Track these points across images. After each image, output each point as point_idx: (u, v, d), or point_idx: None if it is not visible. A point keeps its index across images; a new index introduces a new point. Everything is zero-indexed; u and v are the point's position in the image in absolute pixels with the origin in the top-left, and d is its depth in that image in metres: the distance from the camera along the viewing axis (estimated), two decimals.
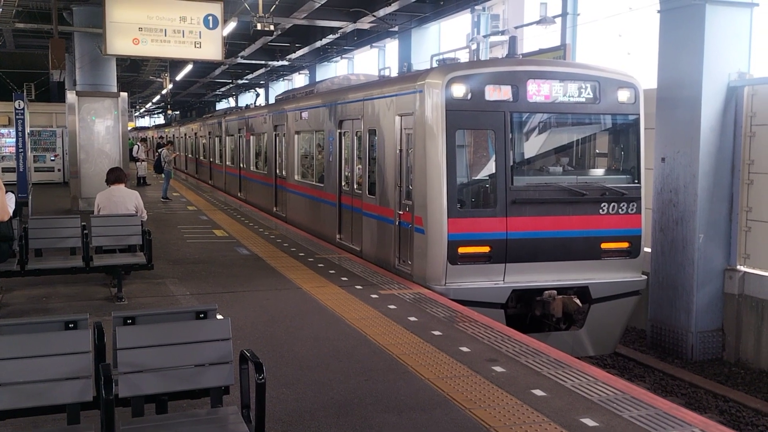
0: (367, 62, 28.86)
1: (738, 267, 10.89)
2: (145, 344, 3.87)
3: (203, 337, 4.02)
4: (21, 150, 16.04)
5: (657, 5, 11.45)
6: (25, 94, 19.10)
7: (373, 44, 25.59)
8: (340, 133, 12.57)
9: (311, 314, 7.87)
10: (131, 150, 25.64)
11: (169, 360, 3.91)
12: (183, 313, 4.25)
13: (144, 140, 30.93)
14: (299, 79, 34.81)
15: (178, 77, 33.37)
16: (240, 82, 38.88)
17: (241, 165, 22.29)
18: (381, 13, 19.50)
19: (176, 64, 28.51)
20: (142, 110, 72.87)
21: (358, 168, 11.87)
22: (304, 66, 31.68)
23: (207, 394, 4.07)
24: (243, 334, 6.92)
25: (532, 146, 10.03)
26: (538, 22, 15.71)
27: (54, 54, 16.51)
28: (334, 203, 12.83)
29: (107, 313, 6.11)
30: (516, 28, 17.52)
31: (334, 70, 29.98)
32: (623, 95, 9.56)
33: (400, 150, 10.02)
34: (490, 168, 9.30)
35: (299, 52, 27.53)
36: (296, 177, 15.75)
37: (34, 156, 24.59)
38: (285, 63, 29.81)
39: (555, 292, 9.14)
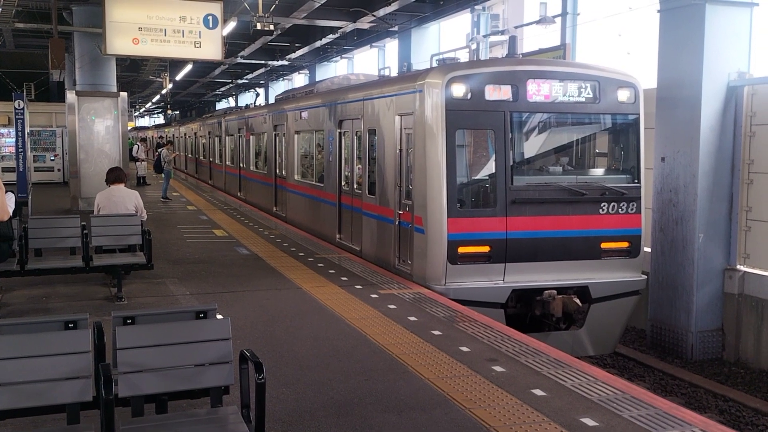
0: (367, 62, 28.88)
1: (738, 267, 10.89)
2: (145, 344, 3.87)
3: (203, 336, 4.02)
4: (21, 150, 16.03)
5: (657, 5, 11.45)
6: (24, 93, 19.10)
7: (373, 44, 25.58)
8: (339, 133, 12.57)
9: (311, 314, 7.86)
10: (131, 150, 25.64)
11: (169, 360, 3.91)
12: (183, 312, 4.25)
13: (144, 140, 30.93)
14: (299, 79, 34.80)
15: (178, 77, 33.37)
16: (240, 81, 38.88)
17: (241, 165, 22.29)
18: (381, 12, 19.50)
19: (176, 63, 28.49)
20: (141, 110, 72.86)
21: (358, 168, 11.87)
22: (304, 66, 31.67)
23: (207, 394, 4.07)
24: (243, 333, 6.92)
25: (532, 146, 10.02)
26: (537, 22, 15.71)
27: (54, 54, 16.51)
28: (333, 203, 12.83)
29: (107, 313, 6.10)
30: (516, 27, 17.54)
31: (334, 69, 29.98)
32: (623, 95, 9.57)
33: (400, 150, 10.02)
34: (490, 168, 9.30)
35: (299, 52, 27.52)
36: (296, 177, 15.75)
37: (33, 156, 24.59)
38: (285, 63, 29.80)
39: (555, 291, 9.14)
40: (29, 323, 3.87)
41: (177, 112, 66.45)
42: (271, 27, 16.78)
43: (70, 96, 17.71)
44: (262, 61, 29.97)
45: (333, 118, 12.85)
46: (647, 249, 11.08)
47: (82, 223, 8.81)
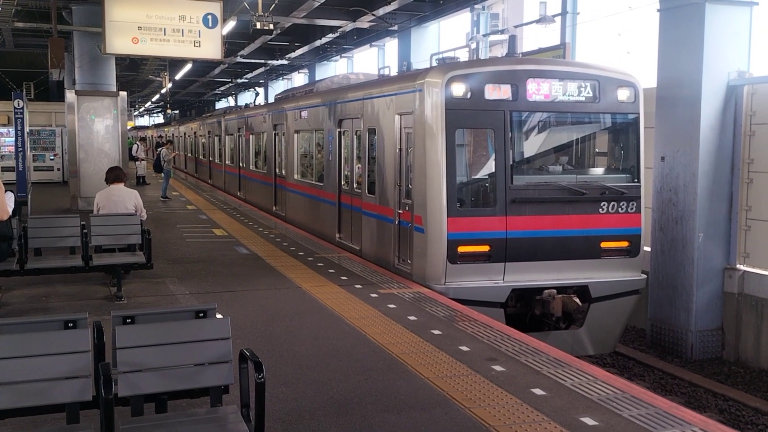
0: (367, 61, 28.85)
1: (737, 266, 10.89)
2: (145, 343, 3.87)
3: (203, 336, 4.02)
4: (20, 149, 16.02)
5: (656, 4, 11.45)
6: (24, 93, 19.07)
7: (373, 43, 25.57)
8: (339, 132, 12.57)
9: (311, 313, 7.86)
10: (130, 149, 25.65)
11: (169, 359, 3.91)
12: (182, 312, 4.25)
13: (143, 139, 30.91)
14: (299, 78, 34.79)
15: (178, 76, 33.35)
16: (239, 81, 38.86)
17: (241, 164, 22.29)
18: (380, 12, 19.49)
19: (175, 63, 28.48)
20: (141, 109, 72.85)
21: (358, 167, 11.87)
22: (304, 65, 31.66)
23: (206, 394, 4.07)
24: (242, 333, 6.92)
25: (532, 145, 10.02)
26: (537, 21, 15.70)
27: (53, 53, 16.50)
28: (333, 202, 12.83)
29: (107, 313, 6.10)
30: (515, 27, 17.52)
31: (334, 69, 29.97)
32: (623, 94, 9.56)
33: (400, 149, 10.02)
34: (490, 167, 9.30)
35: (298, 51, 27.51)
36: (296, 176, 15.75)
37: (33, 155, 24.57)
38: (284, 62, 29.79)
39: (555, 291, 9.14)
40: (29, 323, 3.86)
41: (176, 112, 66.45)
42: (271, 26, 16.76)
43: (70, 95, 17.70)
44: (262, 61, 29.96)
45: (333, 118, 12.85)
46: (647, 248, 11.07)
47: (82, 223, 8.81)
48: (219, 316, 4.38)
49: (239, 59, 28.31)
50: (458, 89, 8.90)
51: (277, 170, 17.43)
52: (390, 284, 9.32)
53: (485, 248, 9.04)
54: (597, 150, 10.34)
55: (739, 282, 10.76)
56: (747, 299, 10.72)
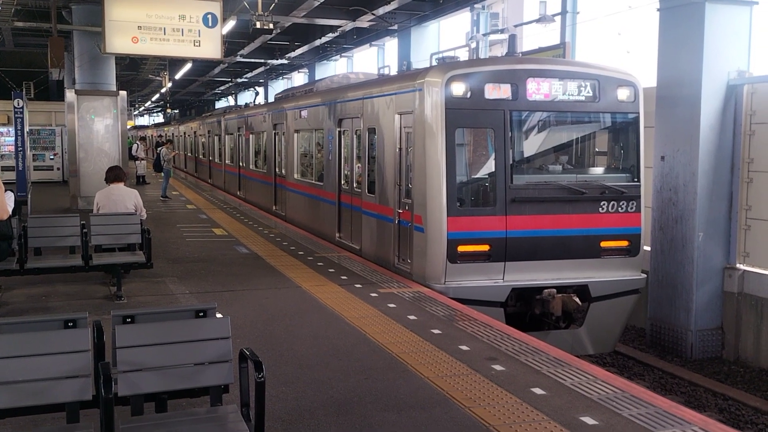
0: (367, 61, 28.85)
1: (737, 265, 10.89)
2: (145, 343, 3.87)
3: (203, 335, 4.02)
4: (20, 149, 16.01)
5: (656, 3, 11.45)
6: (24, 92, 19.05)
7: (373, 43, 25.57)
8: (339, 132, 12.56)
9: (311, 313, 7.86)
10: (130, 149, 25.64)
11: (169, 359, 3.90)
12: (182, 311, 4.24)
13: (143, 139, 30.92)
14: (298, 78, 34.78)
15: (177, 76, 33.35)
16: (239, 80, 38.86)
17: (241, 164, 22.29)
18: (380, 11, 19.49)
19: (175, 62, 28.48)
20: (141, 109, 72.83)
21: (358, 166, 11.87)
22: (304, 64, 31.66)
23: (206, 393, 4.07)
24: (242, 332, 6.92)
25: (532, 145, 10.02)
26: (537, 21, 15.70)
27: (53, 52, 16.51)
28: (333, 202, 12.83)
29: (106, 312, 6.10)
30: (515, 26, 17.51)
31: (334, 68, 29.96)
32: (623, 93, 9.56)
33: (400, 148, 10.02)
34: (490, 166, 9.30)
35: (298, 51, 27.51)
36: (296, 176, 15.75)
37: (33, 155, 24.56)
38: (284, 61, 29.79)
39: (554, 290, 9.14)
40: (29, 322, 3.86)
41: (176, 111, 66.44)
42: (271, 26, 16.78)
43: (70, 95, 17.70)
44: (262, 60, 29.96)
45: (332, 117, 12.85)
46: (647, 248, 11.07)
47: (82, 222, 8.81)
48: (219, 315, 4.38)
49: (239, 59, 28.32)
50: (458, 89, 8.90)
51: (276, 170, 17.43)
52: (390, 284, 9.32)
53: (485, 248, 9.04)
54: (597, 149, 10.34)
55: (738, 281, 10.76)
56: (747, 298, 10.72)
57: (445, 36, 22.06)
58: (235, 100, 46.33)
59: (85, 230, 8.60)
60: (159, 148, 24.92)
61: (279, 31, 22.75)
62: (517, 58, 9.95)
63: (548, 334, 9.16)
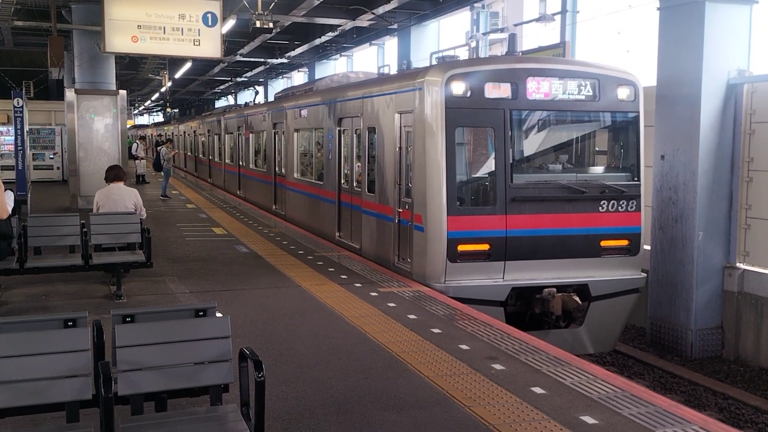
0: (367, 60, 28.84)
1: (737, 264, 10.89)
2: (145, 342, 3.86)
3: (202, 335, 4.02)
4: (20, 148, 16.00)
5: (656, 2, 11.44)
6: (23, 91, 19.03)
7: (372, 42, 25.56)
8: (339, 131, 12.56)
9: (310, 312, 7.86)
10: (130, 148, 25.64)
11: (169, 358, 3.90)
12: (182, 311, 4.24)
13: (143, 138, 30.94)
14: (298, 77, 34.78)
15: (177, 75, 33.35)
16: (239, 79, 38.85)
17: (240, 163, 22.28)
18: (380, 10, 19.48)
19: (175, 61, 28.49)
20: (141, 108, 72.82)
21: (358, 166, 11.87)
22: (303, 64, 31.65)
23: (206, 392, 4.06)
24: (242, 332, 6.92)
25: (532, 144, 10.01)
26: (537, 20, 15.68)
27: (53, 52, 16.52)
28: (333, 201, 12.83)
29: (106, 311, 6.10)
30: (515, 25, 17.49)
31: (333, 67, 29.95)
32: (623, 93, 9.56)
33: (400, 148, 10.01)
34: (490, 166, 9.29)
35: (298, 50, 27.50)
36: (295, 175, 15.74)
37: (33, 154, 24.55)
38: (284, 61, 29.78)
39: (554, 289, 9.14)
40: (29, 321, 3.86)
41: (176, 110, 66.45)
42: (271, 25, 16.78)
43: (69, 94, 17.69)
44: (262, 59, 29.95)
45: (332, 116, 12.84)
46: (647, 247, 11.07)
47: (82, 222, 8.81)
48: (219, 314, 4.37)
49: (239, 58, 28.31)
50: (458, 88, 8.89)
51: (276, 169, 17.43)
52: (390, 283, 9.32)
53: (485, 247, 9.04)
54: (597, 148, 10.34)
55: (738, 280, 10.76)
56: (747, 298, 10.72)
57: (445, 35, 22.07)
58: (235, 99, 46.31)
59: (84, 229, 8.60)
60: (159, 148, 24.91)
61: (279, 30, 22.73)
62: (517, 58, 9.95)
63: (548, 333, 9.16)
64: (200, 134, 31.38)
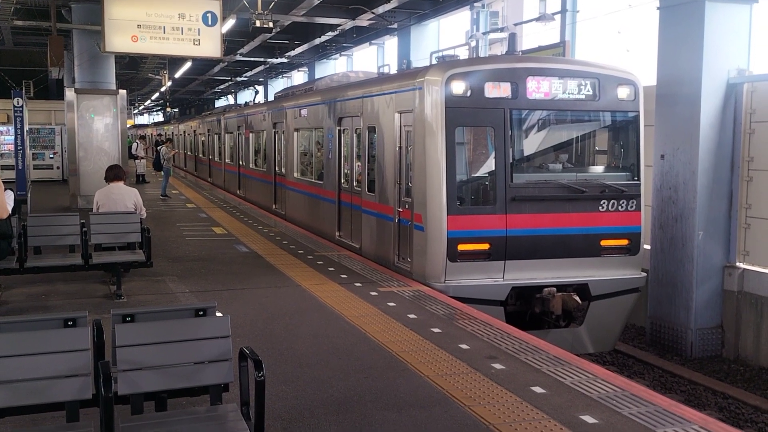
0: (366, 60, 28.84)
1: (737, 264, 10.89)
2: (145, 342, 3.86)
3: (202, 334, 4.02)
4: (20, 148, 16.00)
5: (656, 2, 11.44)
6: (23, 91, 19.03)
7: (372, 41, 25.56)
8: (339, 131, 12.56)
9: (310, 312, 7.86)
10: (130, 147, 25.64)
11: (169, 357, 3.90)
12: (182, 310, 4.24)
13: (143, 138, 30.95)
14: (298, 77, 34.77)
15: (177, 75, 33.34)
16: (239, 79, 38.85)
17: (240, 162, 22.28)
18: (380, 10, 19.48)
19: (175, 61, 28.48)
20: (141, 108, 72.80)
21: (358, 165, 11.87)
22: (303, 63, 31.65)
23: (206, 392, 4.06)
24: (242, 331, 6.92)
25: (532, 143, 10.01)
26: (537, 19, 15.68)
27: (53, 51, 16.52)
28: (333, 200, 12.83)
29: (106, 311, 6.10)
30: (515, 25, 17.48)
31: (333, 67, 29.94)
32: (623, 92, 9.56)
33: (400, 147, 10.01)
34: (490, 165, 9.29)
35: (298, 50, 27.50)
36: (295, 174, 15.74)
37: (33, 153, 24.56)
38: (284, 60, 29.77)
39: (554, 289, 9.14)
40: (28, 321, 3.86)
41: (176, 110, 66.44)
42: (271, 24, 16.78)
43: (69, 94, 17.69)
44: (261, 59, 29.95)
45: (332, 116, 12.84)
46: (647, 246, 11.07)
47: (82, 221, 8.81)
48: (219, 314, 4.37)
49: (239, 57, 28.30)
50: (458, 87, 8.89)
51: (276, 168, 17.42)
52: (390, 282, 9.32)
53: (485, 246, 9.04)
54: (597, 148, 10.34)
55: (738, 280, 10.76)
56: (746, 297, 10.72)
57: (444, 35, 22.06)
58: (235, 98, 46.30)
59: (84, 229, 8.60)
60: (159, 147, 24.91)
61: (279, 29, 22.72)
62: (517, 57, 9.95)
63: (548, 332, 9.16)
64: (200, 134, 31.38)
